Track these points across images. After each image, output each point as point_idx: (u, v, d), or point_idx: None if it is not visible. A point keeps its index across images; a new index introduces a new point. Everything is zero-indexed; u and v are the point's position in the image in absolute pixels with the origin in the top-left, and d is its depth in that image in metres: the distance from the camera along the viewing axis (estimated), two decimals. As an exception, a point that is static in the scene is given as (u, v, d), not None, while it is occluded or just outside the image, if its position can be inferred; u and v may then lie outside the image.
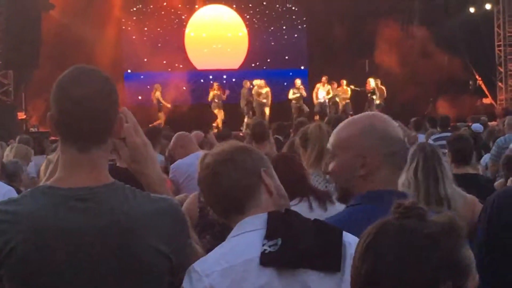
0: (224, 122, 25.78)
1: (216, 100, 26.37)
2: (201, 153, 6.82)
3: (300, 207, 4.88)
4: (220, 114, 26.33)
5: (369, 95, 27.13)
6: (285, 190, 2.85)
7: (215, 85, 26.78)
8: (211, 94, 26.47)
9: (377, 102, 26.96)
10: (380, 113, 3.19)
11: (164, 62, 28.73)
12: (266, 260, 2.54)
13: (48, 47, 25.31)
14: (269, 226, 2.60)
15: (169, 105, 26.44)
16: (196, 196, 5.82)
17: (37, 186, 2.54)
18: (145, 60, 28.73)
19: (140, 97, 28.45)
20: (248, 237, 2.61)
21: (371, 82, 27.19)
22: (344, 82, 27.57)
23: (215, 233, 5.64)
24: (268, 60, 30.38)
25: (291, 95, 26.96)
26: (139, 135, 2.69)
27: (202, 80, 27.78)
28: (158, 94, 26.35)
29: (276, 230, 2.59)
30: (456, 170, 6.24)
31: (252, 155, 2.77)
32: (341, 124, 3.02)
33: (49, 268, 2.34)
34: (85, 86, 2.45)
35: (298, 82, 27.24)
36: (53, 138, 17.80)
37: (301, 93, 26.77)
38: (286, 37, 30.98)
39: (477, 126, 15.59)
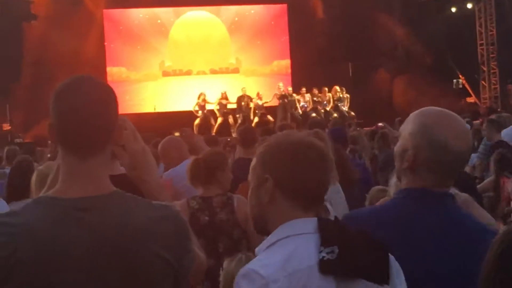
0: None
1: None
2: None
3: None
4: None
5: (336, 102, 27.04)
6: None
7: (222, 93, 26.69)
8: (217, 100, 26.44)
9: (345, 108, 26.93)
10: (453, 114, 2.93)
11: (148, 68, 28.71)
12: (326, 268, 2.48)
13: (30, 58, 25.19)
14: (323, 232, 2.55)
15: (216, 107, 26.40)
16: (185, 202, 5.85)
17: (39, 196, 2.50)
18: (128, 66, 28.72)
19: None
20: (302, 241, 2.56)
21: (337, 89, 27.06)
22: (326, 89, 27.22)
23: (206, 237, 5.68)
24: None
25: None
26: (138, 141, 2.69)
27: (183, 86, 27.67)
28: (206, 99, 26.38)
29: (331, 237, 2.53)
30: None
31: None
32: (414, 112, 2.97)
33: (54, 278, 2.32)
34: (83, 94, 2.43)
35: (280, 85, 26.95)
36: (39, 148, 17.72)
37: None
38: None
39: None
